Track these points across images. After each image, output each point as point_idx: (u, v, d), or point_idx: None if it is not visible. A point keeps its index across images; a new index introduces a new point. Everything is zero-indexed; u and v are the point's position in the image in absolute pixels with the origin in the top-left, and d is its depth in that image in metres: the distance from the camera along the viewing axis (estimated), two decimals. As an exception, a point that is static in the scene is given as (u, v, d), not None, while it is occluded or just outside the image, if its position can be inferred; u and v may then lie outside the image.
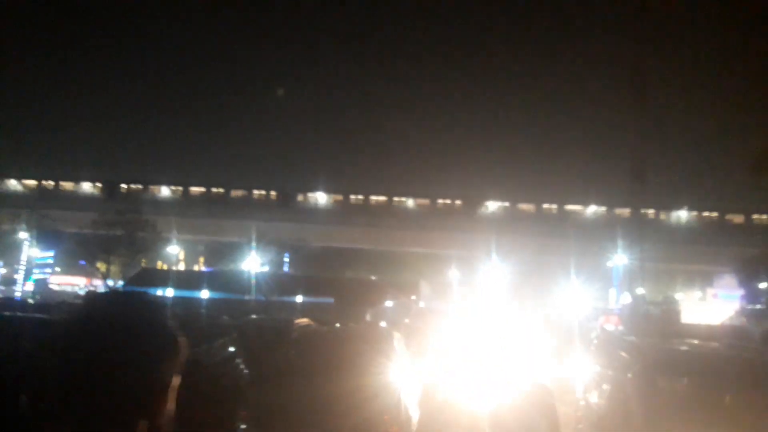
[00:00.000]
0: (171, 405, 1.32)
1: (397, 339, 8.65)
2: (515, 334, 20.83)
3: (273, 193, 61.17)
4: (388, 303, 33.31)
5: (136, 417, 1.26)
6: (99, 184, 60.90)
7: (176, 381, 1.34)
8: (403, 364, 8.44)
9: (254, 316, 14.22)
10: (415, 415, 8.39)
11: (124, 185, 60.51)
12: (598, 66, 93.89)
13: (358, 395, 7.21)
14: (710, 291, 52.03)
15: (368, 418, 7.27)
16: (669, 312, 28.59)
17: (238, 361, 8.44)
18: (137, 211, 41.70)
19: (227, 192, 61.03)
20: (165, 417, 1.31)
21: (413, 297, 37.08)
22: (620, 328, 24.50)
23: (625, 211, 51.83)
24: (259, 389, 7.11)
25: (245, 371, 8.10)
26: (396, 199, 61.51)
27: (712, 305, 47.80)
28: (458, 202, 61.02)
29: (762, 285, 38.63)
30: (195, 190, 61.34)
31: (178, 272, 45.13)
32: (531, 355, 17.32)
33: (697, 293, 54.24)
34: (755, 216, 57.36)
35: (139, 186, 60.59)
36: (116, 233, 40.26)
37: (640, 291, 29.38)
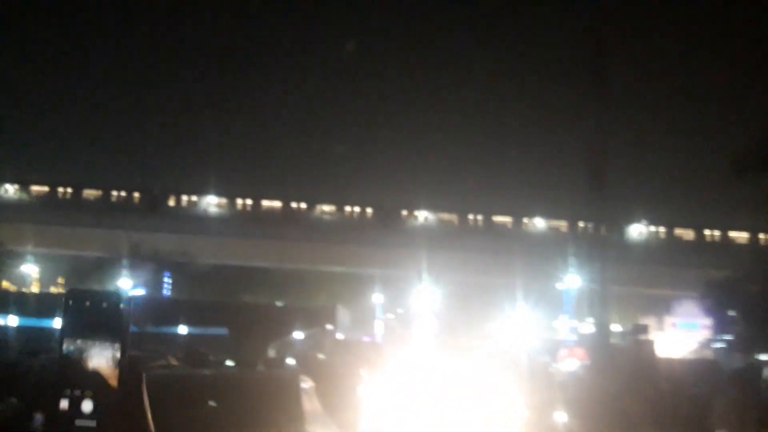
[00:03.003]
0: None
1: (307, 388, 6.13)
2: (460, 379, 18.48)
3: (143, 195, 56.76)
4: (298, 334, 33.24)
5: None
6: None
7: None
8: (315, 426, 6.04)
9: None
10: None
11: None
12: (554, 66, 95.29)
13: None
14: (669, 319, 52.42)
15: None
16: (642, 343, 27.64)
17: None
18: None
19: (89, 194, 56.63)
20: None
21: (329, 326, 36.41)
22: (587, 363, 23.15)
23: (579, 226, 51.52)
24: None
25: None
26: (304, 206, 58.87)
27: (672, 336, 48.02)
28: (373, 210, 58.77)
29: (731, 313, 38.46)
30: (46, 190, 56.48)
31: (28, 295, 43.41)
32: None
33: (651, 321, 54.59)
34: (720, 233, 58.31)
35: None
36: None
37: (603, 318, 28.24)
